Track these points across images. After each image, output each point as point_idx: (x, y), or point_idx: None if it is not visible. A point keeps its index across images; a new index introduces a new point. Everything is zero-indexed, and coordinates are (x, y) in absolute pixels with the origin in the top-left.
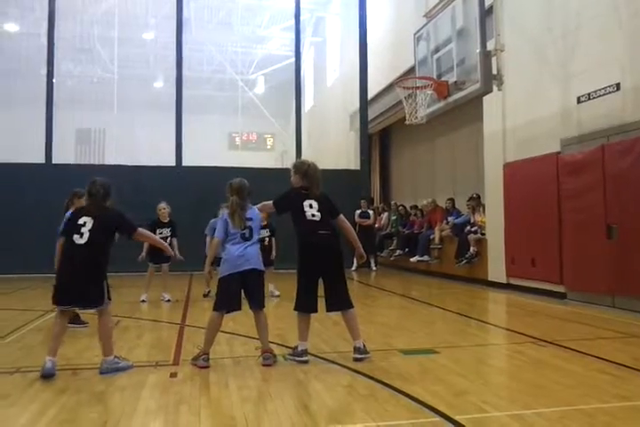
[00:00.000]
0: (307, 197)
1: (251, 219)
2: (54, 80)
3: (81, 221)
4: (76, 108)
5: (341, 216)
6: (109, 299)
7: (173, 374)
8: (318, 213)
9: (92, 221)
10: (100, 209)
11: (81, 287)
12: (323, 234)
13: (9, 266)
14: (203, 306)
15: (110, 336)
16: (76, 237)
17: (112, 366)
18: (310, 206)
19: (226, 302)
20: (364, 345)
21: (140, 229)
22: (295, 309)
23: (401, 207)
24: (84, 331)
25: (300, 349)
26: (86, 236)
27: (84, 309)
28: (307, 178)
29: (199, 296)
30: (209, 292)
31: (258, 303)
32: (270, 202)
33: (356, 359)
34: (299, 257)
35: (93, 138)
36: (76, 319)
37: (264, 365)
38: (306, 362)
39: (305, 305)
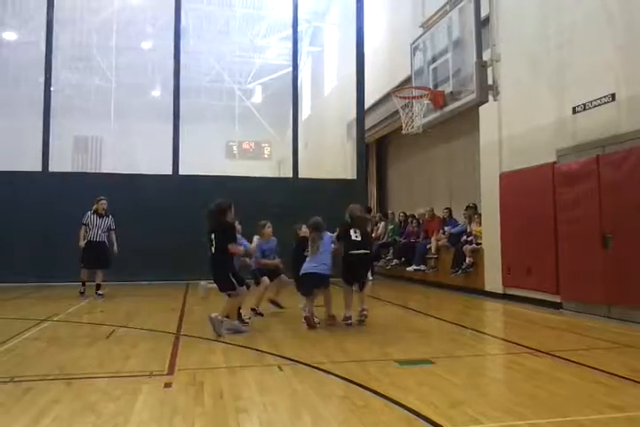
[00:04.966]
0: (351, 226)
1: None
2: (52, 88)
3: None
4: (73, 117)
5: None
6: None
7: (168, 384)
8: (360, 236)
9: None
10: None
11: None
12: (360, 252)
13: (3, 275)
14: (198, 316)
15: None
16: None
17: (233, 328)
18: (355, 232)
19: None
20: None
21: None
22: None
23: (402, 214)
24: (81, 341)
25: (347, 315)
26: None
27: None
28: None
29: (194, 306)
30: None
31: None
32: (335, 239)
33: (361, 314)
34: (342, 265)
35: (90, 146)
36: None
37: (329, 324)
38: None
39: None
